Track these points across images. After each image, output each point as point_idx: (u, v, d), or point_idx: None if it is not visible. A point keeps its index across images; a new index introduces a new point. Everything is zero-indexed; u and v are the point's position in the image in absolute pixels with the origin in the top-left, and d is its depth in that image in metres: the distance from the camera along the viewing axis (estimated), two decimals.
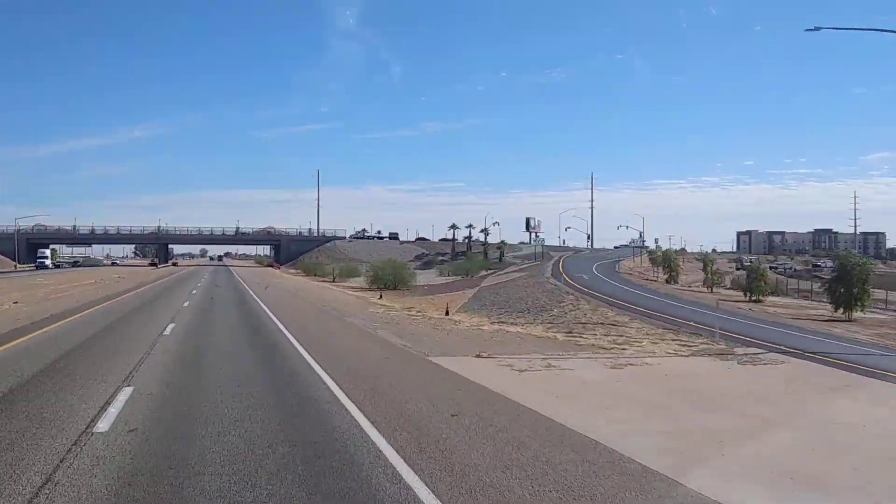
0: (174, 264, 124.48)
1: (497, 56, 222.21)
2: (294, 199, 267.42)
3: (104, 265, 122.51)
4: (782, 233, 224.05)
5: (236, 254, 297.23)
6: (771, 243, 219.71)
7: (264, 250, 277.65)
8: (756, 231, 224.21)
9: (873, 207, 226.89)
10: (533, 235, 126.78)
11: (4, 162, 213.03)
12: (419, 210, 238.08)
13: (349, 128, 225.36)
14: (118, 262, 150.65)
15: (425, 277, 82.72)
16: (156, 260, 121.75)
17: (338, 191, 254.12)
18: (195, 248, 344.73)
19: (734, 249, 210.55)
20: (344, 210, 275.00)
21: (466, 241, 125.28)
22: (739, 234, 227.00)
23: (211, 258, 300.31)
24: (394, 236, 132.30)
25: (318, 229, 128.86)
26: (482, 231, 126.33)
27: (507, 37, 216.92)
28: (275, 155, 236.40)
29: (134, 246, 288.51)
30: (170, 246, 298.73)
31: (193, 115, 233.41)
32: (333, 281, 74.71)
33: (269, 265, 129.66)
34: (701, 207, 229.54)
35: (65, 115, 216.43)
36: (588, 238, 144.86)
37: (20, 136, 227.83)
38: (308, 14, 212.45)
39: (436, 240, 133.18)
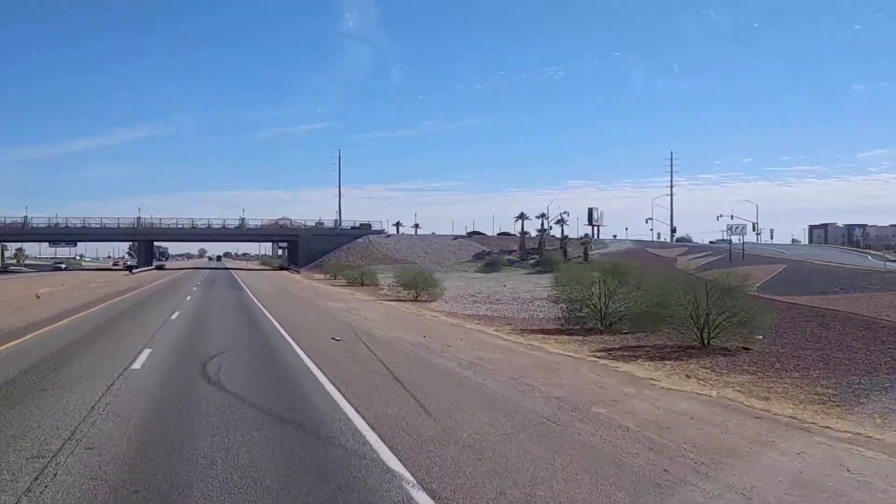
0: (159, 268, 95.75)
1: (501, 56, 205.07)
2: (294, 200, 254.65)
3: (63, 269, 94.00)
4: (864, 226, 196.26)
5: (236, 254, 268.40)
6: (851, 237, 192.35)
7: (267, 248, 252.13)
8: (834, 224, 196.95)
9: (876, 205, 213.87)
10: (594, 229, 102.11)
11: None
12: (427, 208, 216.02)
13: (349, 128, 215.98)
14: (100, 263, 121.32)
15: (511, 284, 54.50)
16: (132, 262, 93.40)
17: (337, 190, 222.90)
18: (194, 248, 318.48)
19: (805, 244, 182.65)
20: (346, 211, 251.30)
21: (539, 234, 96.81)
22: (813, 227, 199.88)
23: (210, 258, 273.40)
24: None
25: (339, 220, 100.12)
26: (558, 222, 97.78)
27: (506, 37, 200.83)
28: (275, 155, 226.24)
29: (129, 245, 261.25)
30: (159, 245, 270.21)
31: (193, 115, 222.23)
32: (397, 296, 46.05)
33: (283, 268, 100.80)
34: (701, 205, 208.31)
35: (64, 115, 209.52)
36: (673, 231, 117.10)
37: (19, 137, 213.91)
38: (308, 14, 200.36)
39: (493, 234, 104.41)
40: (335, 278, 70.65)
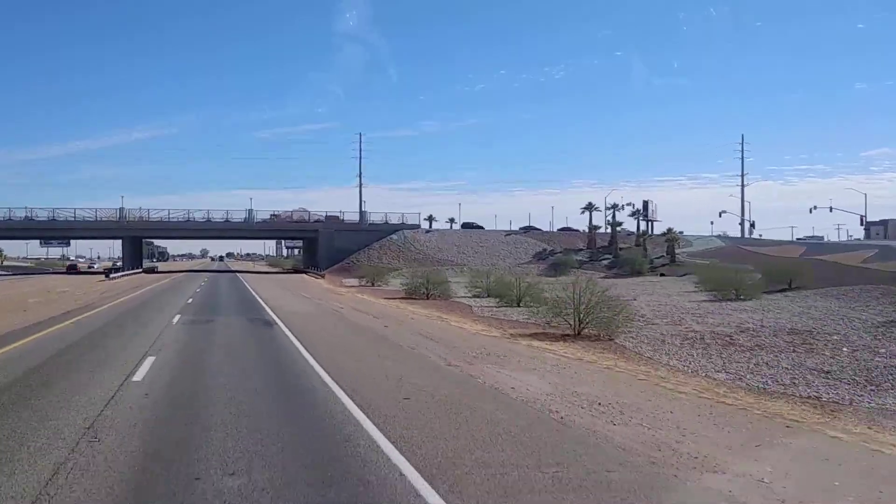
0: (149, 270, 78.59)
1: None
2: (295, 200, 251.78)
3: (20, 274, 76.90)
4: None
5: (239, 254, 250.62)
6: None
7: (271, 247, 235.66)
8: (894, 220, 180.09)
9: (879, 204, 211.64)
10: (649, 224, 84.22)
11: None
12: (431, 207, 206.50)
13: (348, 128, 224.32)
14: (79, 263, 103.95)
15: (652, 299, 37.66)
16: (114, 263, 76.62)
17: (338, 190, 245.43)
18: (198, 247, 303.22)
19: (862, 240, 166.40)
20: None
21: (611, 228, 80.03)
22: (871, 223, 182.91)
23: (213, 258, 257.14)
24: (472, 226, 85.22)
25: (362, 210, 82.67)
26: (632, 215, 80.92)
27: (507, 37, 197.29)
28: (275, 155, 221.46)
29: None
30: (159, 244, 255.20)
31: (192, 115, 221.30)
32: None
33: (299, 270, 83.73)
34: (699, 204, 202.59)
35: (61, 116, 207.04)
36: (752, 227, 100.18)
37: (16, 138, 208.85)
38: (307, 14, 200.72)
39: (552, 229, 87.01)
40: (374, 285, 53.46)
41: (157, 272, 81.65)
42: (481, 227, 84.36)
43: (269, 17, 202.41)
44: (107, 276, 57.78)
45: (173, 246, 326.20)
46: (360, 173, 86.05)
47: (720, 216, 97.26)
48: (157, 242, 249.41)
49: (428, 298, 36.88)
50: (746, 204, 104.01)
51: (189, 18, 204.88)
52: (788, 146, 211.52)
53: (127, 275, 65.92)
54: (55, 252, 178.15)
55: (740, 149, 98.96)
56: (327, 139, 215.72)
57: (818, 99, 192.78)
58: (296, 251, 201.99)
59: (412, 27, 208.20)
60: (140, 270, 72.60)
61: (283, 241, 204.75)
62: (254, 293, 39.02)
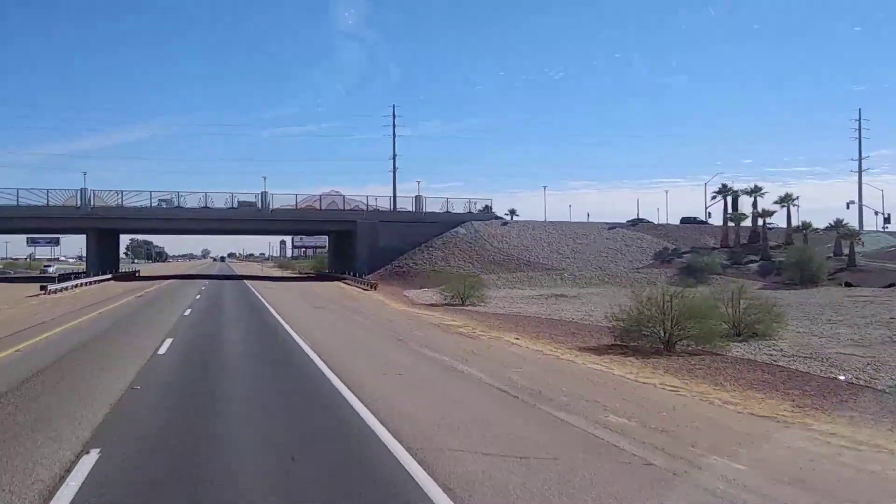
0: (128, 276, 57.66)
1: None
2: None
3: None
4: None
5: (241, 254, 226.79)
6: None
7: (273, 246, 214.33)
8: None
9: (878, 205, 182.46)
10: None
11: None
12: None
13: (347, 128, 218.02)
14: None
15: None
16: (68, 267, 55.37)
17: (341, 190, 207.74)
18: (198, 246, 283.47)
19: None
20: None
21: (760, 219, 59.09)
22: None
23: (214, 259, 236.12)
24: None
25: (394, 198, 61.21)
26: (781, 201, 60.30)
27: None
28: (275, 156, 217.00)
29: (128, 242, 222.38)
30: (157, 245, 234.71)
31: (192, 115, 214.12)
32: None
33: (326, 275, 63.07)
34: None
35: (60, 116, 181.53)
36: (886, 221, 78.76)
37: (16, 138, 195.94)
38: (307, 14, 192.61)
39: (666, 221, 65.70)
40: (464, 303, 32.36)
41: (138, 278, 60.49)
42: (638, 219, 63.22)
43: (269, 17, 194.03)
44: (44, 288, 36.51)
45: (172, 245, 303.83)
46: (395, 154, 64.52)
47: (847, 207, 75.54)
48: (154, 241, 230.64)
49: (671, 351, 15.68)
50: (878, 193, 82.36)
51: (190, 18, 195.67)
52: (788, 148, 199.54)
53: (85, 283, 44.81)
54: (44, 252, 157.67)
55: (857, 128, 76.62)
56: (329, 139, 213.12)
57: (817, 100, 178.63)
58: (308, 251, 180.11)
59: (413, 27, 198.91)
60: (109, 277, 51.36)
61: (292, 239, 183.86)
62: (292, 333, 17.78)
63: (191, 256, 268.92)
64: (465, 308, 31.33)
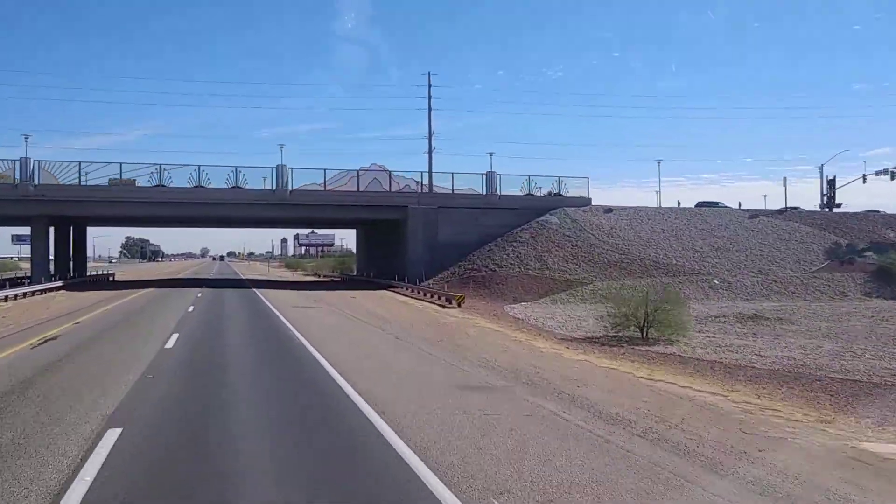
0: (102, 280, 42.42)
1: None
2: None
3: None
4: None
5: (243, 254, 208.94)
6: None
7: (274, 243, 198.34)
8: None
9: (879, 203, 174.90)
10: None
11: None
12: None
13: (348, 128, 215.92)
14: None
15: None
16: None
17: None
18: (198, 244, 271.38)
19: None
20: None
21: None
22: None
23: (213, 258, 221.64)
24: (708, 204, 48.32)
25: (431, 179, 44.62)
26: None
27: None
28: (274, 156, 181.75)
29: (123, 240, 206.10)
30: (153, 243, 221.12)
31: (191, 116, 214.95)
32: None
33: (360, 281, 47.82)
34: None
35: (59, 116, 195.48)
36: None
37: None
38: (306, 14, 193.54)
39: (825, 209, 50.18)
40: (644, 337, 16.98)
41: (108, 285, 44.89)
42: (715, 204, 47.47)
43: (268, 17, 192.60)
44: None
45: (171, 245, 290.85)
46: (430, 132, 48.36)
47: None
48: (150, 239, 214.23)
49: None
50: None
51: (189, 19, 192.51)
52: (789, 146, 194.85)
53: (19, 294, 29.30)
54: (27, 250, 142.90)
55: None
56: (329, 139, 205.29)
57: (817, 99, 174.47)
58: (311, 249, 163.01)
59: (413, 27, 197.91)
60: (58, 285, 35.58)
61: (296, 235, 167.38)
62: None
63: (189, 255, 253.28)
64: (651, 349, 16.04)
